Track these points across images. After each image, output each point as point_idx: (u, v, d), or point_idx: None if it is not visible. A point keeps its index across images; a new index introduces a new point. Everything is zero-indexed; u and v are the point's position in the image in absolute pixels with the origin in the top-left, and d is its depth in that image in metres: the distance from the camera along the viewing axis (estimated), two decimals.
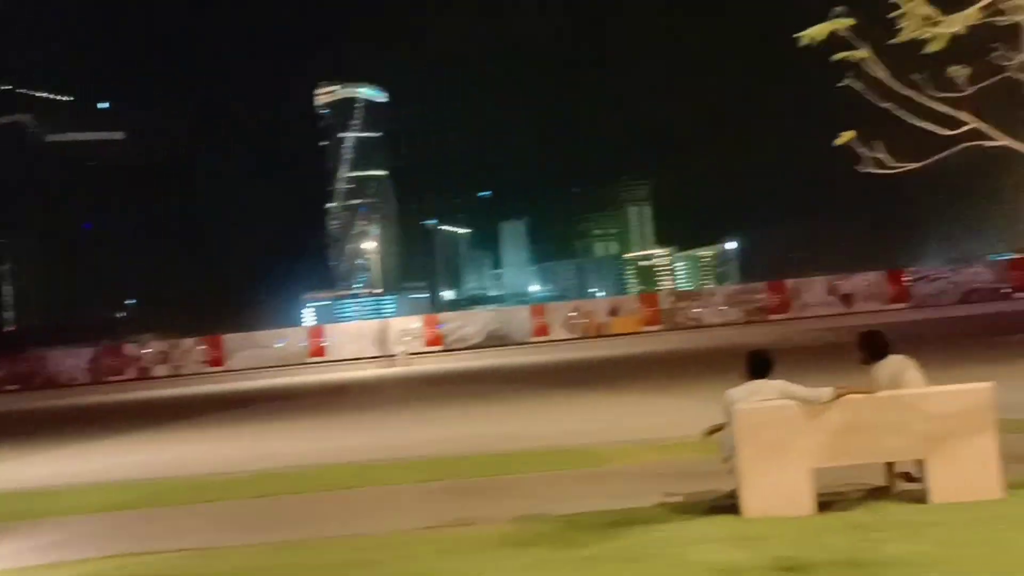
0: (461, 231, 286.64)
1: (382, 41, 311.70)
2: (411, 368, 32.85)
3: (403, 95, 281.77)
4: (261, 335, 48.50)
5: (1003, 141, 6.65)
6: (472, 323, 46.81)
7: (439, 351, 42.76)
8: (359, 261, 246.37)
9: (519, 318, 46.21)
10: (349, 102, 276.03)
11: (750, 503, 6.88)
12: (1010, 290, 45.80)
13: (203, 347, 46.03)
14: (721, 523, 6.78)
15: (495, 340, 43.94)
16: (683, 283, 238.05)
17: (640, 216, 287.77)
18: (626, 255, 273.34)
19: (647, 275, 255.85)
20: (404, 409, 18.67)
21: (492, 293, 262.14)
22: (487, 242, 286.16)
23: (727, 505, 7.12)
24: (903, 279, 46.47)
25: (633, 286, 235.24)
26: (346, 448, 13.07)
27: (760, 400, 7.03)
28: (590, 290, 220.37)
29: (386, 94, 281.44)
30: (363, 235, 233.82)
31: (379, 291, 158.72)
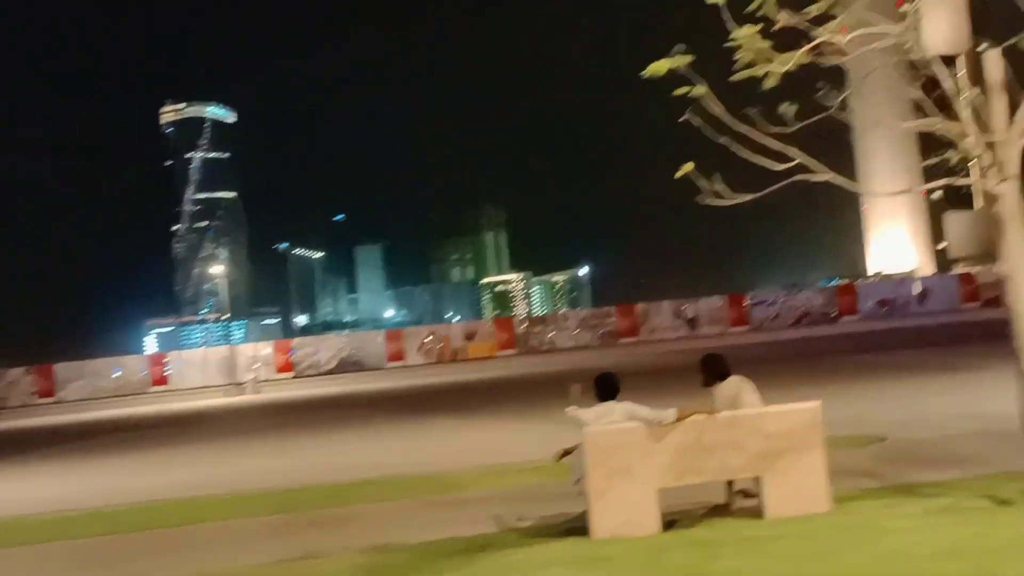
0: (315, 255, 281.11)
1: (230, 60, 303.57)
2: (261, 396, 31.79)
3: (252, 115, 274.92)
4: (97, 363, 45.74)
5: (826, 176, 7.12)
6: (325, 349, 45.84)
7: (291, 378, 41.63)
8: (206, 285, 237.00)
9: (374, 343, 45.63)
10: (196, 121, 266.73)
11: (599, 525, 7.01)
12: (837, 314, 49.03)
13: (32, 377, 43.04)
14: (571, 546, 6.87)
15: (349, 366, 43.20)
16: (538, 308, 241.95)
17: (496, 241, 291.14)
18: (482, 280, 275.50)
19: (503, 300, 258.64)
20: (252, 439, 18.02)
21: (347, 318, 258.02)
22: (342, 266, 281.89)
23: (578, 528, 7.23)
24: (743, 303, 48.91)
25: (489, 311, 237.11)
26: (187, 483, 12.47)
27: (608, 422, 7.20)
28: (446, 315, 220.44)
29: (235, 114, 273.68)
30: (211, 258, 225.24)
31: (227, 316, 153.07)
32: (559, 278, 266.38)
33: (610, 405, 7.30)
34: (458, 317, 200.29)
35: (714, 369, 7.87)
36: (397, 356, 43.84)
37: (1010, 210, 6.72)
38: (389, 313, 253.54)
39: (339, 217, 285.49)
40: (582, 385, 7.53)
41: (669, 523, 7.12)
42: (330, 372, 42.60)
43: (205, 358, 45.06)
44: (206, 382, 40.82)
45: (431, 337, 45.90)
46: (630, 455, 7.08)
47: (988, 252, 7.00)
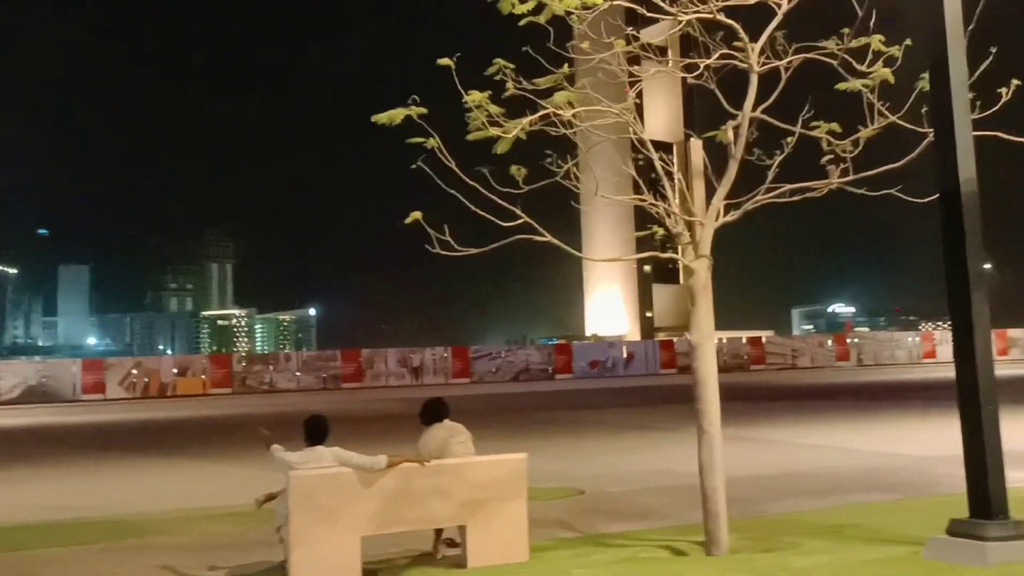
0: (9, 270, 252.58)
1: None
2: None
3: None
4: None
5: (546, 238, 7.49)
6: (9, 375, 40.98)
7: None
8: None
9: (68, 372, 41.44)
10: None
11: (298, 573, 6.72)
12: (553, 371, 51.63)
13: None
14: None
15: (37, 396, 38.90)
16: (261, 346, 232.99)
17: (222, 274, 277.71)
18: (203, 313, 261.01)
19: (224, 335, 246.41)
20: None
21: (41, 343, 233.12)
22: (41, 285, 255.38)
23: None
24: (467, 355, 50.12)
25: (208, 345, 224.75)
26: None
27: (316, 467, 6.97)
28: (159, 347, 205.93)
29: None
30: None
31: None
32: (286, 317, 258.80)
33: (319, 450, 7.08)
34: (171, 351, 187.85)
35: (432, 414, 7.93)
36: (95, 388, 40.14)
37: (702, 284, 7.42)
38: (91, 341, 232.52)
39: (42, 231, 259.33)
40: (269, 433, 7.32)
41: (371, 572, 6.99)
42: (14, 401, 38.11)
43: None
44: None
45: (137, 369, 42.53)
46: (335, 501, 6.89)
47: (686, 323, 7.65)
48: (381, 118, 6.95)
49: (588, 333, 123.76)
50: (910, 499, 9.72)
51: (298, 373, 45.00)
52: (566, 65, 7.36)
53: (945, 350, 59.42)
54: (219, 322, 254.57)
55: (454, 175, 7.27)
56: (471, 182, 7.20)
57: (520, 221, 7.41)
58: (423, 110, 6.91)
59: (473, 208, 7.34)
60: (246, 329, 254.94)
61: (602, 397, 32.07)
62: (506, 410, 26.54)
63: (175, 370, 43.42)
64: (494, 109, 7.12)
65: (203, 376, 42.90)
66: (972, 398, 6.48)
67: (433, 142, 7.03)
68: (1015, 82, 7.16)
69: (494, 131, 7.13)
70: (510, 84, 7.16)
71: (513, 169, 7.44)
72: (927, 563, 6.21)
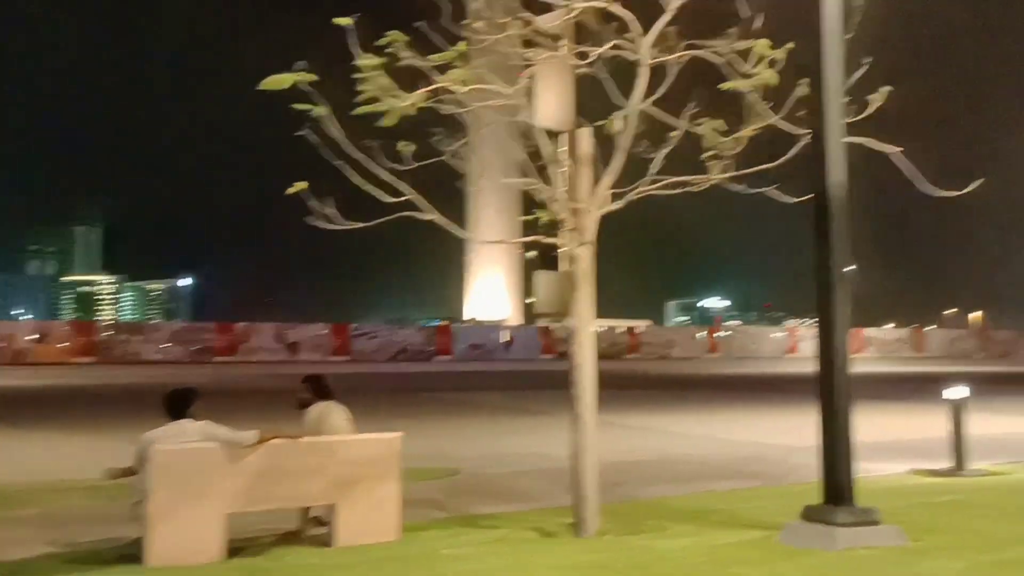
0: None
1: None
2: None
3: None
4: None
5: (431, 216, 7.41)
6: None
7: None
8: None
9: None
10: None
11: (156, 551, 6.46)
12: (433, 352, 51.53)
13: None
14: (119, 573, 6.25)
15: None
16: (128, 315, 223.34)
17: (88, 237, 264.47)
18: (65, 278, 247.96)
19: (88, 302, 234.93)
20: None
21: None
22: None
23: (132, 554, 6.60)
24: (347, 333, 49.44)
25: (70, 312, 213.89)
26: None
27: (182, 442, 6.72)
28: (15, 311, 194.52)
29: None
30: None
31: None
32: (156, 286, 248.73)
33: (183, 423, 6.82)
34: (30, 315, 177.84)
35: (314, 389, 7.78)
36: None
37: (584, 271, 7.51)
38: None
39: None
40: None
41: (235, 551, 6.79)
42: None
43: None
44: None
45: None
46: (200, 477, 6.65)
47: (567, 310, 7.73)
48: (268, 84, 6.70)
49: (468, 316, 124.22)
50: (770, 486, 10.17)
51: (167, 344, 43.35)
52: (461, 43, 7.29)
53: (807, 346, 62.35)
54: (82, 288, 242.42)
55: (338, 148, 7.11)
56: (356, 154, 7.05)
57: (406, 198, 7.32)
58: (312, 76, 6.71)
59: (357, 182, 7.20)
60: (113, 297, 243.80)
61: (481, 380, 32.24)
62: (385, 390, 26.33)
63: (34, 336, 41.14)
64: (385, 82, 6.98)
65: (65, 343, 40.81)
66: (829, 392, 6.81)
67: (320, 110, 6.83)
68: (885, 88, 7.51)
69: (386, 104, 6.99)
70: (404, 55, 7.04)
71: (401, 145, 7.33)
72: (782, 546, 6.51)
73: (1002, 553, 6.09)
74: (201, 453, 6.70)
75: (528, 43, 8.36)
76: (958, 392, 11.26)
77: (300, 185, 6.91)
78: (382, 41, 7.11)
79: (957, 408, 11.12)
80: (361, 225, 7.39)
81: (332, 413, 7.63)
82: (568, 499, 7.56)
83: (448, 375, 35.38)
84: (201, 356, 42.78)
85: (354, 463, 7.16)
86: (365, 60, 6.91)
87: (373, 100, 7.07)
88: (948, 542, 6.53)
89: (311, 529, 7.47)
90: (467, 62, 7.46)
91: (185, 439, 6.73)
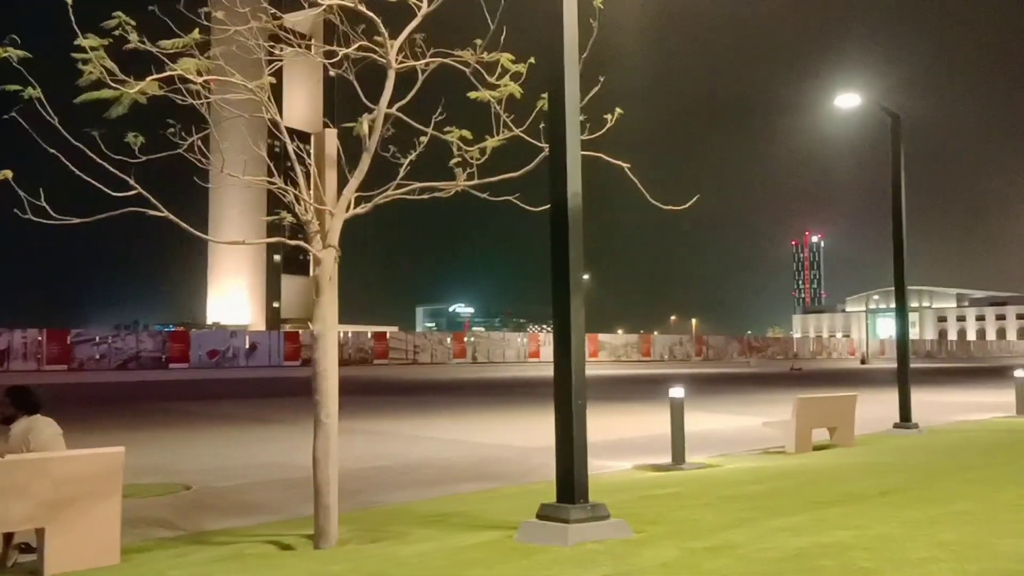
0: None
1: None
2: None
3: None
4: None
5: (163, 213, 6.91)
6: None
7: None
8: None
9: None
10: None
11: None
12: (168, 360, 48.47)
13: None
14: None
15: None
16: None
17: None
18: None
19: None
20: None
21: None
22: None
23: None
24: (66, 340, 45.28)
25: None
26: None
27: None
28: None
29: None
30: None
31: None
32: None
33: None
34: None
35: (19, 403, 6.97)
36: None
37: (328, 275, 7.32)
38: None
39: None
40: None
41: None
42: None
43: None
44: None
45: None
46: None
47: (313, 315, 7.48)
48: None
49: (210, 321, 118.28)
50: (511, 487, 10.47)
51: None
52: (197, 30, 6.86)
53: (548, 351, 65.44)
54: None
55: (58, 134, 6.45)
56: (76, 143, 6.42)
57: (134, 192, 6.76)
58: (25, 54, 6.03)
59: (79, 173, 6.55)
60: None
61: (221, 388, 30.73)
62: (111, 401, 24.35)
63: None
64: (109, 65, 6.42)
65: None
66: (566, 394, 7.11)
67: (33, 92, 6.16)
68: (619, 111, 8.01)
69: (107, 92, 6.43)
70: (133, 37, 6.52)
71: (130, 136, 6.77)
72: (518, 545, 6.69)
73: (711, 540, 6.64)
74: None
75: (274, 38, 8.07)
76: (677, 392, 12.23)
77: (4, 173, 6.18)
78: (109, 23, 6.54)
79: (676, 407, 12.07)
80: (80, 221, 6.74)
81: (39, 428, 6.89)
82: (308, 510, 7.33)
83: (183, 384, 33.41)
84: None
85: (66, 482, 6.49)
86: (86, 40, 6.33)
87: (101, 86, 6.49)
88: (666, 531, 7.04)
89: (16, 557, 6.70)
90: (207, 51, 7.04)
91: None
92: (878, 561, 5.56)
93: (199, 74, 6.88)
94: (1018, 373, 21.62)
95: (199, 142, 7.29)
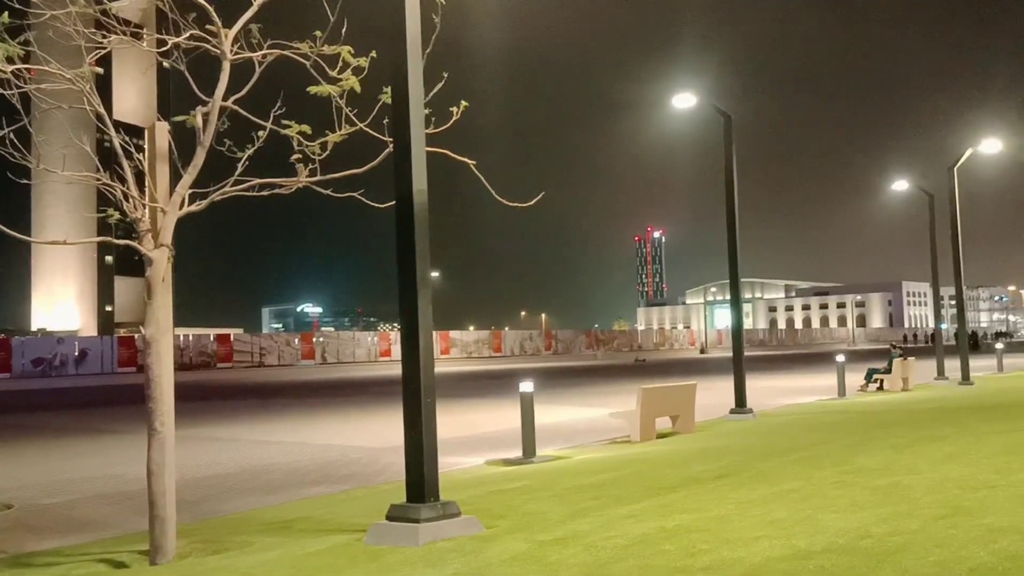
0: None
1: None
2: None
3: None
4: None
5: None
6: None
7: None
8: None
9: None
10: None
11: None
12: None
13: None
14: None
15: None
16: None
17: None
18: None
19: None
20: None
21: None
22: None
23: None
24: None
25: None
26: None
27: None
28: None
29: None
30: None
31: None
32: None
33: None
34: None
35: None
36: None
37: (160, 276, 6.95)
38: None
39: None
40: None
41: None
42: None
43: None
44: None
45: None
46: None
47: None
48: None
49: (34, 327, 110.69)
50: (359, 489, 10.29)
51: None
52: (6, 13, 6.35)
53: (399, 349, 64.83)
54: None
55: None
56: None
57: None
58: None
59: None
60: None
61: (47, 398, 28.76)
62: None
63: None
64: None
65: None
66: (414, 392, 7.04)
67: None
68: (464, 103, 7.97)
69: None
70: None
71: None
72: (367, 548, 6.57)
73: (559, 531, 6.74)
74: None
75: (100, 25, 7.58)
76: (527, 386, 12.39)
77: None
78: None
79: (526, 401, 12.23)
80: None
81: None
82: (143, 524, 6.94)
83: (5, 395, 31.08)
84: None
85: None
86: None
87: None
88: (516, 525, 7.08)
89: None
90: (18, 36, 6.53)
91: None
92: (715, 542, 5.80)
93: (10, 61, 6.37)
94: (839, 358, 23.30)
95: (12, 135, 6.77)
